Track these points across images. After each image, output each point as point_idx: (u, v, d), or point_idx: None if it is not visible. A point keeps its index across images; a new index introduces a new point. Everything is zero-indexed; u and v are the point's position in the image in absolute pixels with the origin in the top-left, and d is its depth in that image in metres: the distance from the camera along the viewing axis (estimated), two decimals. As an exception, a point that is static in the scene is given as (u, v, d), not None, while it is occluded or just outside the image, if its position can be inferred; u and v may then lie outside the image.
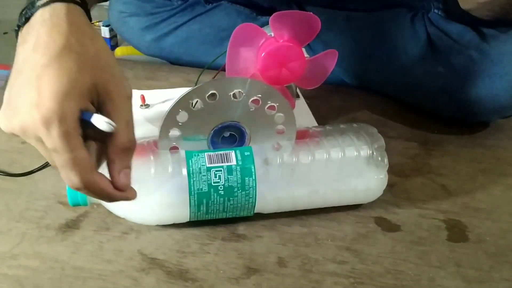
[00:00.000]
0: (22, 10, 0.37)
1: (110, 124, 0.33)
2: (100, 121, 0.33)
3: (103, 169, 0.37)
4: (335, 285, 0.44)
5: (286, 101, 0.47)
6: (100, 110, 0.35)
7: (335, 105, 0.73)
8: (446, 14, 0.69)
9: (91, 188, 0.34)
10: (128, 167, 0.37)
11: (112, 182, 0.36)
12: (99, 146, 0.36)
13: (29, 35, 0.35)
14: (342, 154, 0.48)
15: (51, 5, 0.35)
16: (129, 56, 0.94)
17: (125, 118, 0.36)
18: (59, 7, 0.35)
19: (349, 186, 0.50)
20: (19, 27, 0.37)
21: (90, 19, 0.39)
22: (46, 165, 0.56)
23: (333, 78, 0.60)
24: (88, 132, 0.34)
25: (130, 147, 0.36)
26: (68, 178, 0.34)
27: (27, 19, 0.36)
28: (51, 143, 0.32)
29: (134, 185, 0.39)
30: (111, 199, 0.37)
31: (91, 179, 0.34)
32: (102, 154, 0.36)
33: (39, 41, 0.34)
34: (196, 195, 0.45)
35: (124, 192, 0.37)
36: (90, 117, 0.33)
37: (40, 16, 0.35)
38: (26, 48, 0.34)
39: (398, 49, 0.70)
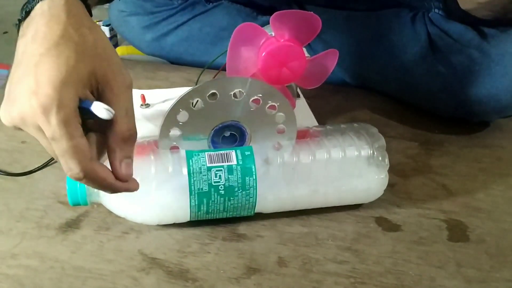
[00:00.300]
0: (24, 5, 0.37)
1: (109, 111, 0.33)
2: (99, 108, 0.33)
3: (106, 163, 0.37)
4: (335, 285, 0.44)
5: (286, 100, 0.47)
6: (100, 99, 0.35)
7: (336, 104, 0.72)
8: (446, 14, 0.69)
9: (92, 177, 0.34)
10: (130, 157, 0.36)
11: (113, 172, 0.36)
12: (100, 137, 0.36)
13: (28, 27, 0.35)
14: (343, 154, 0.48)
15: None
16: (129, 55, 0.94)
17: (125, 106, 0.35)
18: None
19: (349, 186, 0.50)
20: (20, 21, 0.37)
21: (90, 13, 0.39)
22: (46, 164, 0.56)
23: (333, 77, 0.60)
24: (89, 123, 0.34)
25: (130, 136, 0.36)
26: (68, 167, 0.33)
27: (28, 13, 0.36)
28: (50, 131, 0.32)
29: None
30: (112, 189, 0.36)
31: (91, 168, 0.34)
32: (103, 146, 0.36)
33: (38, 32, 0.34)
34: (196, 195, 0.45)
35: (126, 183, 0.37)
36: (90, 105, 0.33)
37: (39, 9, 0.35)
38: (25, 40, 0.35)
39: (398, 49, 0.70)
